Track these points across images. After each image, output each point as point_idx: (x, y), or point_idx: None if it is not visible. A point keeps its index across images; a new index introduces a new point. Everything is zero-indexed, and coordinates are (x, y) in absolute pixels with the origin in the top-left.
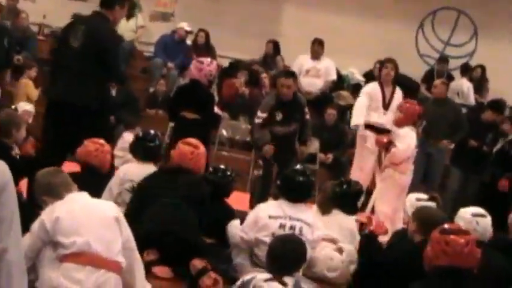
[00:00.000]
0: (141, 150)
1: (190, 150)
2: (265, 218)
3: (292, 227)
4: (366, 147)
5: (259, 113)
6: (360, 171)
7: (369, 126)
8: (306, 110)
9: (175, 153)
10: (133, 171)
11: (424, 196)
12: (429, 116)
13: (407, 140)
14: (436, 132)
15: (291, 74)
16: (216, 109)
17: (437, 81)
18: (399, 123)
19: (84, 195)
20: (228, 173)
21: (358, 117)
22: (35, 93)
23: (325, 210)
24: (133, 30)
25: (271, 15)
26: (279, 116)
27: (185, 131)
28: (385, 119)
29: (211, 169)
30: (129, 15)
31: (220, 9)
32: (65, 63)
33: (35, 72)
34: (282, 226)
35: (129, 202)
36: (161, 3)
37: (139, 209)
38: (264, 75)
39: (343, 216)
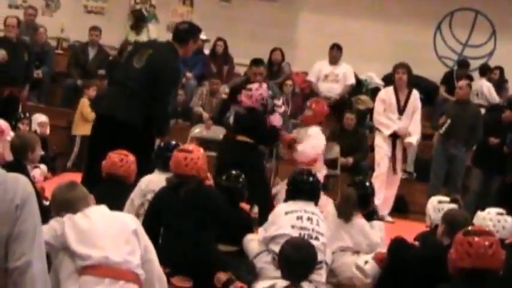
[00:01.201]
0: (162, 161)
1: (184, 156)
2: (282, 215)
3: (309, 218)
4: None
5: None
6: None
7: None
8: (280, 102)
9: (172, 162)
10: (154, 182)
11: (446, 198)
12: (451, 117)
13: (313, 140)
14: (457, 134)
15: (261, 62)
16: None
17: (462, 83)
18: (307, 120)
19: (102, 208)
20: (240, 179)
21: (388, 127)
22: (91, 114)
23: (348, 217)
24: None
25: (287, 21)
26: None
27: (236, 153)
28: (400, 123)
29: (223, 176)
30: (139, 29)
31: (235, 17)
32: (122, 81)
33: (94, 91)
34: (299, 218)
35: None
36: (178, 14)
37: (153, 234)
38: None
39: (365, 223)
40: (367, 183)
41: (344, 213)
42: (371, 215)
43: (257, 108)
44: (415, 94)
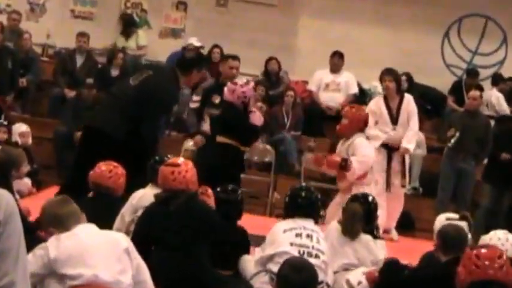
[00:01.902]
0: (155, 175)
1: (171, 171)
2: (280, 234)
3: (309, 235)
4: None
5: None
6: (374, 185)
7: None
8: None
9: (159, 177)
10: (146, 197)
11: (455, 215)
12: (459, 129)
13: (363, 149)
14: (466, 147)
15: (237, 57)
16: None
17: (475, 93)
18: (343, 130)
19: (93, 227)
20: (238, 192)
21: (377, 138)
22: None
23: (355, 234)
24: (132, 50)
25: (286, 27)
26: (217, 99)
27: (215, 156)
28: (395, 134)
29: (219, 188)
30: (128, 34)
31: (231, 22)
32: (114, 94)
33: None
34: (298, 235)
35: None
36: (171, 19)
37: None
38: (259, 104)
39: (370, 238)
40: (370, 198)
41: (351, 231)
42: (371, 232)
43: (236, 104)
44: (408, 98)
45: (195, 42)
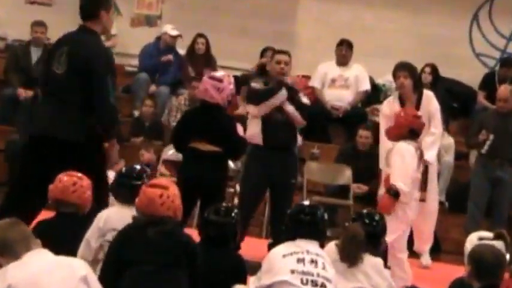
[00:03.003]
0: (124, 191)
1: (159, 193)
2: (278, 260)
3: (313, 261)
4: None
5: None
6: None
7: None
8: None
9: (140, 199)
10: (115, 218)
11: (489, 234)
12: (492, 131)
13: (398, 157)
14: (501, 151)
15: (286, 52)
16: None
17: (504, 89)
18: (389, 134)
19: (46, 254)
20: (232, 214)
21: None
22: None
23: (353, 261)
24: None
25: (284, 11)
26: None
27: (198, 167)
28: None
29: (212, 208)
30: None
31: (218, 8)
32: (49, 92)
33: None
34: (300, 260)
35: (101, 271)
36: (145, 5)
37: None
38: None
39: (380, 262)
40: (377, 217)
41: (348, 257)
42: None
43: (223, 106)
44: (428, 95)
45: (169, 30)
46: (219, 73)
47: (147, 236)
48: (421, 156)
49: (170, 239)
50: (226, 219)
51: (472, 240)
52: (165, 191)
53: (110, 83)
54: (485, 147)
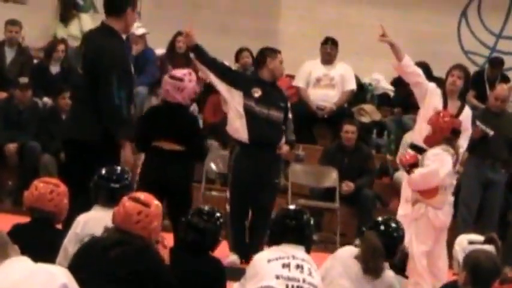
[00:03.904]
0: (103, 194)
1: (138, 210)
2: (263, 265)
3: (298, 266)
4: None
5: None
6: (405, 202)
7: (416, 148)
8: (289, 105)
9: (118, 211)
10: (93, 222)
11: (479, 238)
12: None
13: (435, 163)
14: (493, 152)
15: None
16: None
17: (501, 89)
18: (427, 141)
19: (24, 261)
20: (216, 216)
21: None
22: None
23: (378, 273)
24: (76, 39)
25: (265, 8)
26: (257, 93)
27: (162, 166)
28: None
29: (194, 211)
30: (66, 19)
31: (199, 4)
32: (72, 95)
33: None
34: (285, 265)
35: None
36: None
37: None
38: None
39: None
40: (394, 224)
41: (373, 269)
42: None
43: (185, 105)
44: (468, 112)
45: (135, 29)
46: (180, 71)
47: (109, 256)
48: (456, 162)
49: (132, 261)
50: (208, 224)
51: (462, 243)
52: (145, 208)
53: (115, 82)
54: (491, 133)
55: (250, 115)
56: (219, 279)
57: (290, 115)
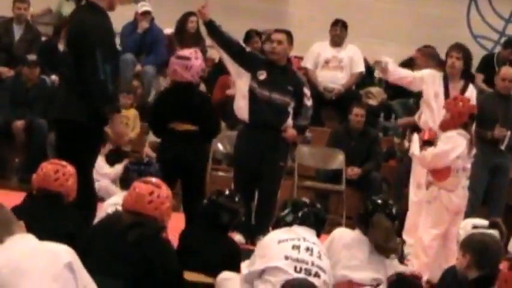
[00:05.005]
0: (134, 177)
1: (150, 190)
2: (273, 245)
3: (308, 249)
4: None
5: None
6: (417, 188)
7: (418, 131)
8: (306, 91)
9: (130, 194)
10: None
11: (484, 222)
12: (495, 116)
13: (448, 144)
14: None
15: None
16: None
17: (505, 71)
18: (443, 126)
19: (30, 238)
20: (236, 198)
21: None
22: None
23: (393, 251)
24: None
25: None
26: (262, 75)
27: (178, 148)
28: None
29: (218, 193)
30: None
31: None
32: (60, 73)
33: None
34: (295, 247)
35: None
36: None
37: None
38: None
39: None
40: (390, 205)
41: (392, 249)
42: None
43: (195, 83)
44: (472, 91)
45: (140, 6)
46: (186, 50)
47: (126, 238)
48: (471, 146)
49: (145, 247)
50: (237, 205)
51: (466, 227)
52: (156, 189)
53: (99, 57)
54: (505, 143)
55: (252, 96)
56: (237, 257)
57: (308, 102)
